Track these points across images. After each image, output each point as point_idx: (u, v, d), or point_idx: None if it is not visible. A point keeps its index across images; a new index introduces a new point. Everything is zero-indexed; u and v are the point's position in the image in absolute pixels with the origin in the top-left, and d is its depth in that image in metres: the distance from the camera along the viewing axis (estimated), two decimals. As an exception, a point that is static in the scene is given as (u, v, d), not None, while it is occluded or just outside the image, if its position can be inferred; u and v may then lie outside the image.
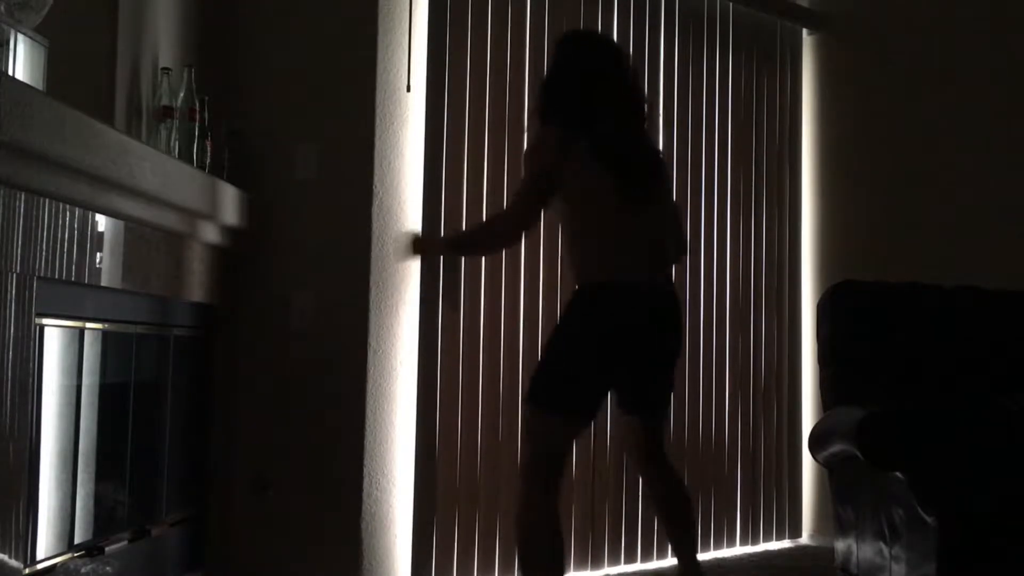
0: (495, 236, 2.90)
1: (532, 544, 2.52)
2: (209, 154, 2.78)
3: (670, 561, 3.65)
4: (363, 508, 3.00)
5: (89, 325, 2.26)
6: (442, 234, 3.18)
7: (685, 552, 2.72)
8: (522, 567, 2.55)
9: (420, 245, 3.13)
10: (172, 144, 2.65)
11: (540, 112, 2.70)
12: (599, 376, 2.57)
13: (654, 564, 3.63)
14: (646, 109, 2.76)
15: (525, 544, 2.53)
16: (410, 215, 3.14)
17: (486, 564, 3.24)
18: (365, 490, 3.00)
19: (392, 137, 3.11)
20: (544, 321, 3.37)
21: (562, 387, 2.53)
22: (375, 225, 3.06)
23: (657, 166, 2.73)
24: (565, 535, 3.38)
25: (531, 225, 2.78)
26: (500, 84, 3.36)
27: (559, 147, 2.56)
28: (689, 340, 3.83)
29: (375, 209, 3.06)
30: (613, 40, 3.30)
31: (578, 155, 2.54)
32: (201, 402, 2.94)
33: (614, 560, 3.52)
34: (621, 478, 3.57)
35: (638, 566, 3.60)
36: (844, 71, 4.32)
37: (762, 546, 4.01)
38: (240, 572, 2.98)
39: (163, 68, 2.66)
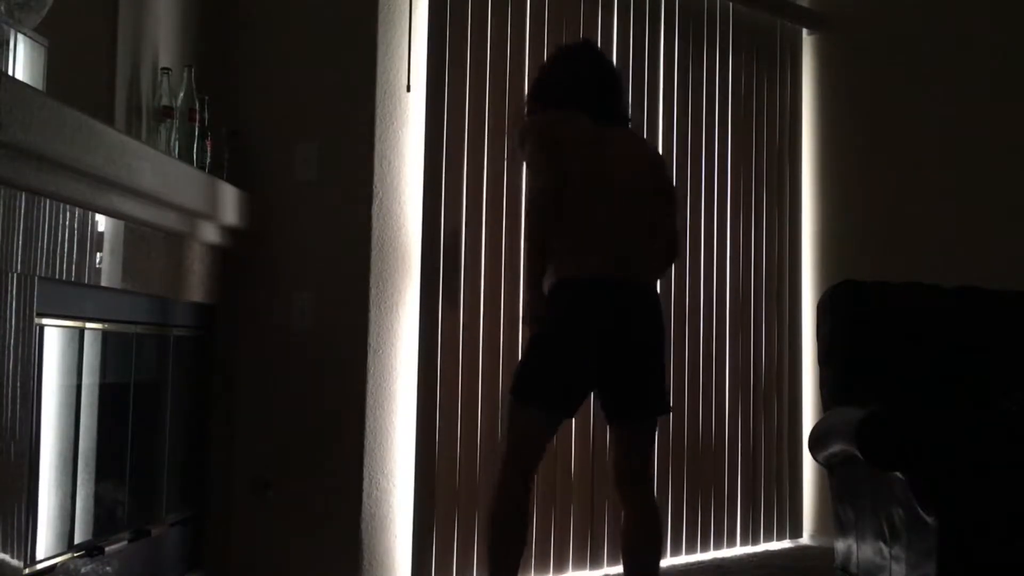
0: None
1: (499, 528, 2.48)
2: (209, 154, 2.78)
3: (670, 561, 3.66)
4: (363, 508, 3.00)
5: (89, 325, 2.27)
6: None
7: None
8: (486, 548, 2.51)
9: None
10: (172, 144, 2.65)
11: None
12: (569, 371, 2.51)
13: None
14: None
15: (492, 526, 2.49)
16: (410, 215, 3.14)
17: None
18: (365, 490, 3.00)
19: (392, 137, 3.11)
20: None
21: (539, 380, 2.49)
22: (375, 225, 3.06)
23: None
24: (565, 535, 3.43)
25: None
26: (500, 84, 3.35)
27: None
28: (689, 340, 3.83)
29: (375, 209, 3.06)
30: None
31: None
32: (201, 402, 2.94)
33: (614, 560, 3.52)
34: (621, 478, 3.57)
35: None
36: (844, 71, 4.32)
37: (762, 546, 4.01)
38: (240, 572, 2.98)
39: (163, 68, 2.66)
